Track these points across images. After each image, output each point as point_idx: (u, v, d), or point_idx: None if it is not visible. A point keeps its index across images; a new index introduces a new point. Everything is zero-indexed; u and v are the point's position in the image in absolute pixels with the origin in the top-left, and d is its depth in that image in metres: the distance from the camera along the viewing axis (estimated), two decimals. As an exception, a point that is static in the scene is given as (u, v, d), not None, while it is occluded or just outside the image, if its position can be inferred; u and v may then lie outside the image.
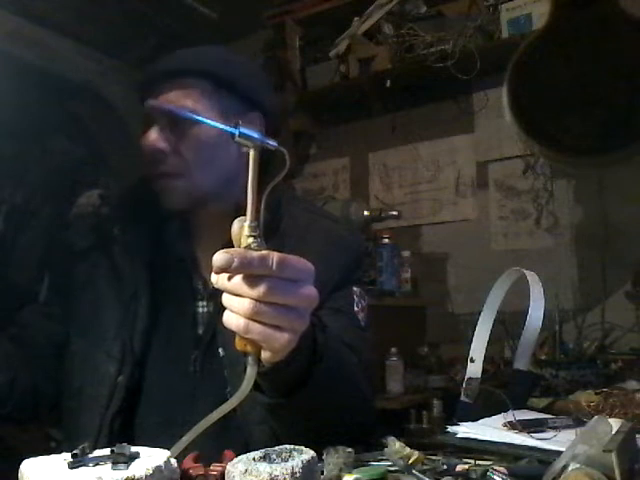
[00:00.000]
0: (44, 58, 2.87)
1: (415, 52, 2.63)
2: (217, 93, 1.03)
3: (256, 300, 0.61)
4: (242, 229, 0.62)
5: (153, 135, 1.00)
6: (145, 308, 1.03)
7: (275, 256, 0.61)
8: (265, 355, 0.65)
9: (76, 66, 3.01)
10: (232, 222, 0.79)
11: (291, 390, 0.76)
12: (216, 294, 0.92)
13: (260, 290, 0.60)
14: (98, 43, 3.09)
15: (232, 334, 0.64)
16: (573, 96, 1.84)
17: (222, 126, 0.68)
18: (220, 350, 0.99)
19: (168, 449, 0.65)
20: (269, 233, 0.97)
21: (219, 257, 0.60)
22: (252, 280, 0.60)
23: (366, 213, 2.58)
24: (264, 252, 0.61)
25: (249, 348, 0.64)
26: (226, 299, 0.63)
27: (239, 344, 0.64)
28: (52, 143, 2.92)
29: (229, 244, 0.73)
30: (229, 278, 0.61)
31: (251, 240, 0.61)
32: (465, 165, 2.79)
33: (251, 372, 0.64)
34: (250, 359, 0.64)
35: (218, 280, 0.62)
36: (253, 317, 0.61)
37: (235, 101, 1.05)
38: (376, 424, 1.01)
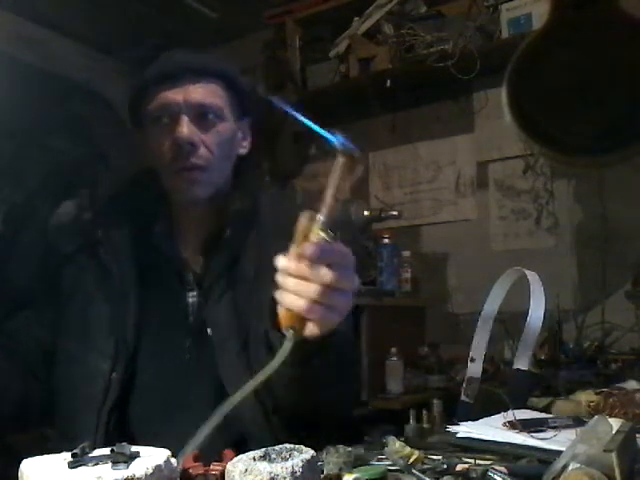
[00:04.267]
0: (44, 58, 2.87)
1: (415, 52, 2.62)
2: (229, 95, 1.10)
3: (325, 286, 0.68)
4: (313, 223, 0.69)
5: (186, 128, 1.03)
6: (135, 305, 1.06)
7: (344, 247, 0.70)
8: (312, 331, 0.73)
9: (76, 66, 3.01)
10: (210, 219, 1.07)
11: (307, 360, 0.82)
12: (204, 283, 1.06)
13: (331, 278, 0.69)
14: (98, 43, 3.09)
15: (276, 313, 0.73)
16: (573, 96, 1.84)
17: (323, 132, 0.72)
18: (209, 330, 1.04)
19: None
20: (249, 221, 1.08)
21: (311, 248, 0.68)
22: (326, 269, 0.69)
23: (366, 213, 2.58)
24: (338, 245, 0.70)
25: (297, 325, 0.71)
26: (294, 284, 0.70)
27: (287, 321, 0.71)
28: (52, 143, 2.92)
29: (211, 237, 1.02)
30: (310, 264, 0.68)
31: (324, 234, 0.68)
32: (465, 165, 2.79)
33: (287, 346, 0.70)
34: (290, 334, 0.71)
35: (291, 268, 0.70)
36: (318, 300, 0.69)
37: (239, 105, 1.12)
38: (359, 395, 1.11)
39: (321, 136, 0.70)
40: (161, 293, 1.09)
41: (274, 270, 0.76)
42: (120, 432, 1.00)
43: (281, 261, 0.71)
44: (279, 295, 0.72)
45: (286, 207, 1.16)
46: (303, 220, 0.70)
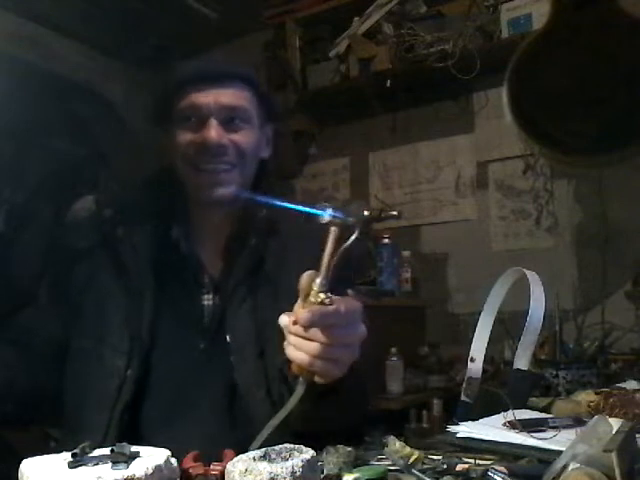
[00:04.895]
0: (44, 58, 2.87)
1: (415, 52, 2.63)
2: (256, 100, 1.12)
3: (325, 344, 0.72)
4: (313, 284, 0.72)
5: (214, 130, 1.05)
6: (151, 304, 1.05)
7: (344, 309, 0.73)
8: (318, 380, 0.76)
9: (76, 66, 3.01)
10: (230, 222, 1.07)
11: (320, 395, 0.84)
12: (220, 286, 1.07)
13: (330, 337, 0.72)
14: (98, 43, 3.09)
15: (286, 359, 0.77)
16: (573, 96, 1.84)
17: (310, 209, 0.74)
18: (228, 337, 1.04)
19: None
20: (272, 229, 1.09)
21: (305, 316, 0.71)
22: (325, 329, 0.72)
23: (366, 213, 2.57)
24: (336, 307, 0.72)
25: (305, 374, 0.75)
26: (296, 341, 0.74)
27: (298, 370, 0.76)
28: (52, 143, 2.92)
29: (231, 241, 1.04)
30: (305, 328, 0.72)
31: (323, 295, 0.72)
32: (465, 165, 2.79)
33: (300, 390, 0.76)
34: (302, 380, 0.76)
35: (291, 328, 0.74)
36: (318, 356, 0.73)
37: (264, 111, 1.14)
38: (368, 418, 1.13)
39: (311, 213, 0.74)
40: (177, 293, 1.09)
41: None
42: (130, 430, 1.00)
43: (282, 318, 0.75)
44: (285, 347, 0.76)
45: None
46: (304, 280, 0.73)
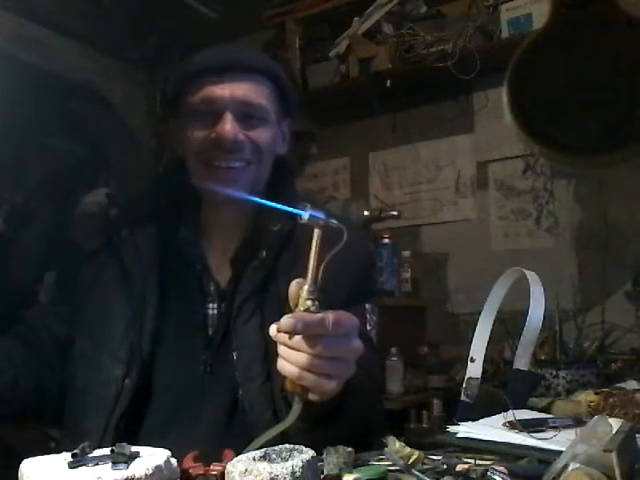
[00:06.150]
0: (44, 58, 2.87)
1: (415, 52, 2.62)
2: (275, 95, 1.07)
3: (312, 355, 0.68)
4: (301, 291, 0.68)
5: (229, 125, 1.00)
6: (153, 310, 1.02)
7: (331, 318, 0.68)
8: (312, 396, 0.72)
9: (76, 66, 3.01)
10: (242, 225, 1.02)
11: (321, 417, 0.80)
12: (226, 296, 1.02)
13: (317, 348, 0.68)
14: (98, 43, 3.09)
15: (283, 376, 0.73)
16: (573, 96, 1.84)
17: (291, 209, 0.69)
18: (234, 354, 0.99)
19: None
20: (286, 242, 1.03)
21: (286, 322, 0.67)
22: (310, 339, 0.68)
23: (366, 213, 2.58)
24: (322, 315, 0.68)
25: (299, 390, 0.72)
26: (283, 351, 0.70)
27: (290, 386, 0.72)
28: (52, 143, 2.92)
29: (240, 247, 0.98)
30: (290, 336, 0.68)
31: (310, 303, 0.68)
32: (465, 165, 2.79)
33: (297, 408, 0.72)
34: (298, 398, 0.72)
35: (278, 336, 0.70)
36: (307, 368, 0.69)
37: (282, 106, 1.09)
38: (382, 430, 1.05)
39: (290, 213, 0.70)
40: (180, 300, 1.05)
41: None
42: (127, 439, 0.97)
43: (272, 327, 0.70)
44: (278, 360, 0.72)
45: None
46: (292, 288, 0.69)
